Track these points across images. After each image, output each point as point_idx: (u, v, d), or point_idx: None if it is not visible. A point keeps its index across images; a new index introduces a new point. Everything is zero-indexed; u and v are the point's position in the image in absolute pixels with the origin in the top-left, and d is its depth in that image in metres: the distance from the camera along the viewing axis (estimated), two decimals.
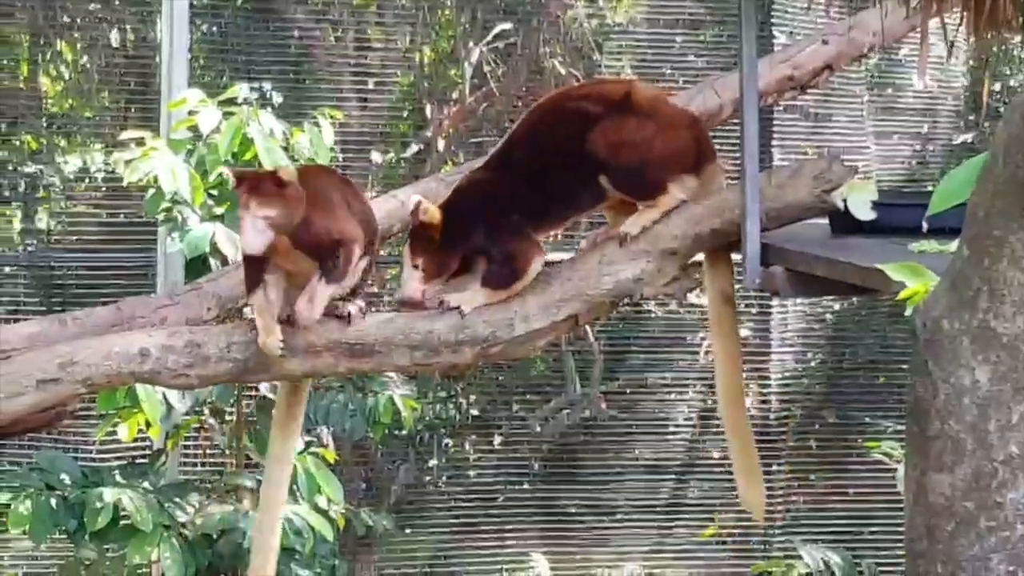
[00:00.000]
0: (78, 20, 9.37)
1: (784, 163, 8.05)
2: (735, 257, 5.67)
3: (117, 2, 9.29)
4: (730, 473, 9.37)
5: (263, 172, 5.29)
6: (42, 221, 9.33)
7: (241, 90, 7.39)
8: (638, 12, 9.59)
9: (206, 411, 7.49)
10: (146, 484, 7.16)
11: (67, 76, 9.43)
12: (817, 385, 9.63)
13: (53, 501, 6.89)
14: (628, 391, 9.52)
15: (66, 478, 7.00)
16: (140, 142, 7.24)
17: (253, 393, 7.51)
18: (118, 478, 7.13)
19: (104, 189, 9.22)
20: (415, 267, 5.36)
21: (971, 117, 9.76)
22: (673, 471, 9.49)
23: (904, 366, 9.50)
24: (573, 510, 9.36)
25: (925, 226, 4.93)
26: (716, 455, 9.55)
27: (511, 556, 9.31)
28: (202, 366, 5.33)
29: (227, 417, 7.58)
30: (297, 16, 9.30)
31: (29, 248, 9.20)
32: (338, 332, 5.34)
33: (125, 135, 7.50)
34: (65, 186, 9.21)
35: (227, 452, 7.77)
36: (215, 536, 7.13)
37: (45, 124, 9.33)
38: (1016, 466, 3.52)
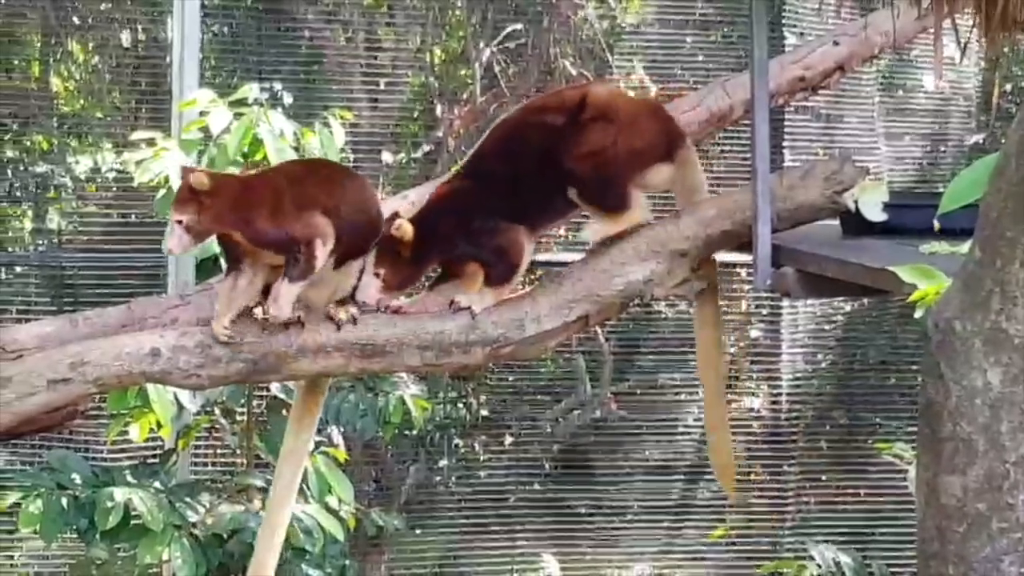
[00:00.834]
0: (89, 20, 9.37)
1: (795, 164, 8.03)
2: (746, 257, 5.67)
3: (128, 2, 9.29)
4: (740, 474, 9.45)
5: (196, 176, 5.28)
6: (53, 221, 9.33)
7: (252, 90, 7.39)
8: (648, 13, 9.58)
9: (217, 411, 7.49)
10: (157, 484, 7.16)
11: (78, 76, 9.44)
12: (827, 386, 9.62)
13: (64, 501, 6.89)
14: (638, 392, 9.52)
15: (77, 478, 7.00)
16: (151, 142, 7.25)
17: (264, 393, 7.51)
18: (129, 478, 7.13)
19: (115, 189, 9.23)
20: (376, 275, 5.35)
21: (983, 118, 9.75)
22: (683, 472, 9.48)
23: (915, 367, 9.49)
24: (583, 511, 9.36)
25: (937, 227, 4.92)
26: None
27: (521, 556, 9.31)
28: (213, 366, 5.33)
29: (238, 417, 7.59)
30: (308, 17, 9.30)
31: (40, 248, 9.21)
32: (334, 334, 5.34)
33: (136, 135, 7.51)
34: (76, 186, 9.22)
35: (238, 452, 7.78)
36: (226, 536, 7.13)
37: (56, 124, 9.34)
38: None
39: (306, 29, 9.36)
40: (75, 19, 9.32)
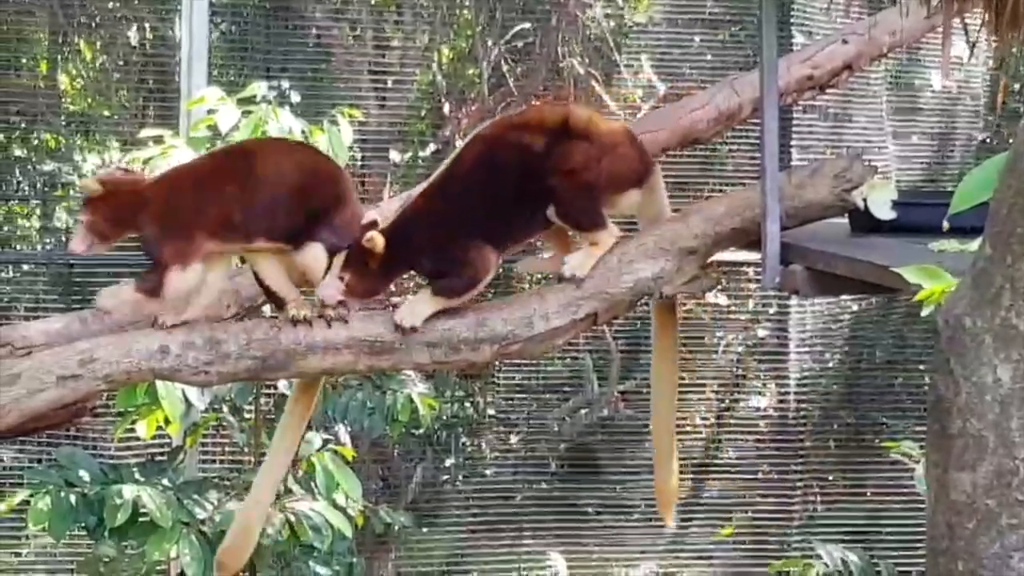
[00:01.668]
0: (97, 18, 9.38)
1: (803, 163, 8.04)
2: (753, 255, 5.68)
3: (136, 1, 9.30)
4: (747, 473, 9.45)
5: (86, 181, 5.31)
6: (60, 220, 9.35)
7: (260, 88, 7.39)
8: (656, 11, 9.58)
9: (225, 409, 7.50)
10: (165, 481, 7.16)
11: (86, 75, 9.45)
12: (835, 385, 9.62)
13: (72, 498, 6.89)
14: (645, 390, 9.51)
15: (85, 475, 7.01)
16: (159, 140, 7.26)
17: (271, 391, 7.52)
18: (137, 475, 7.14)
19: None
20: (340, 279, 5.34)
21: (990, 117, 9.75)
22: (690, 470, 9.48)
23: (922, 366, 9.49)
24: (590, 509, 9.36)
25: (946, 225, 4.92)
26: (733, 454, 9.55)
27: (528, 555, 9.32)
28: (222, 363, 5.34)
29: (246, 415, 7.59)
30: (316, 15, 9.30)
31: (48, 246, 9.22)
32: (343, 331, 5.34)
33: (144, 133, 7.51)
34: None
35: (245, 450, 7.79)
36: None
37: (64, 123, 9.35)
38: None
39: (314, 27, 9.36)
40: (83, 17, 9.32)
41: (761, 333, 9.60)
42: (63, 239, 9.18)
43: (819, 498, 9.49)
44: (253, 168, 5.36)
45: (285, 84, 8.29)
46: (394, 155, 9.25)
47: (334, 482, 7.16)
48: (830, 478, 9.54)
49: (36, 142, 9.25)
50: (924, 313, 3.98)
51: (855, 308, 9.63)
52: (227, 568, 5.71)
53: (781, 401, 9.51)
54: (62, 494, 6.88)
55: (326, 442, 7.37)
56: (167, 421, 7.14)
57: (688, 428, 9.53)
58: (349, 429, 7.88)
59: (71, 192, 9.21)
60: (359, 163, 8.93)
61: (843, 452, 9.54)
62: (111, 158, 9.19)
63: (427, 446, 9.28)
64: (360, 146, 8.68)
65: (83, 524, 6.95)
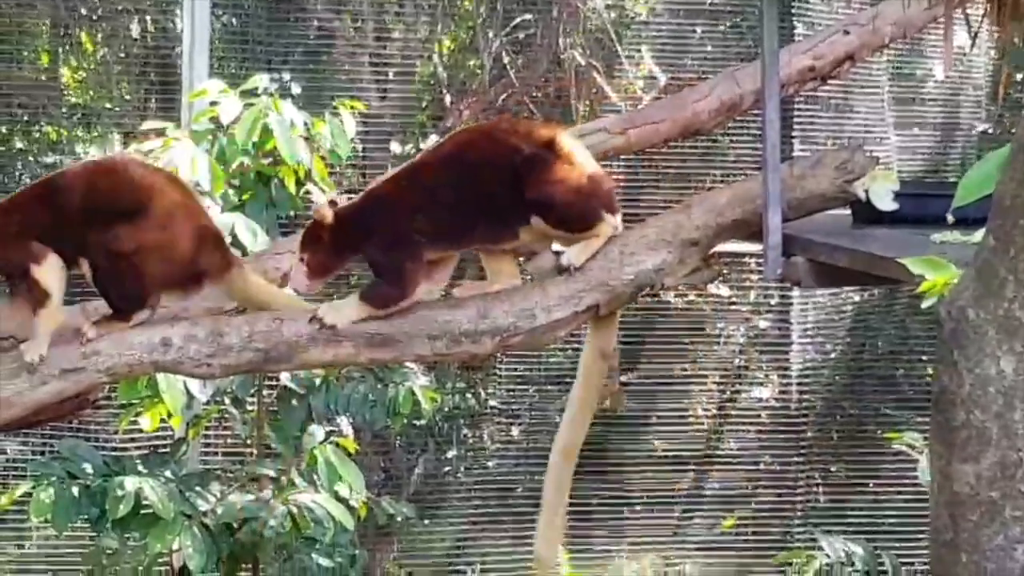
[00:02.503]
0: (98, 11, 9.38)
1: (805, 154, 8.03)
2: (755, 246, 5.67)
3: None
4: (749, 465, 9.45)
5: None
6: None
7: (262, 81, 7.39)
8: (657, 2, 9.57)
9: (227, 401, 7.50)
10: (167, 473, 7.16)
11: (87, 67, 9.44)
12: (837, 376, 9.61)
13: (75, 490, 6.89)
14: (647, 382, 9.52)
15: (88, 467, 7.01)
16: (161, 133, 7.26)
17: (274, 383, 7.52)
18: (139, 467, 7.14)
19: None
20: (301, 260, 5.36)
21: (992, 107, 9.74)
22: (692, 462, 9.48)
23: (924, 357, 9.49)
24: (592, 501, 9.36)
25: (950, 217, 4.93)
26: (735, 446, 9.54)
27: (530, 546, 9.31)
28: (224, 355, 5.34)
29: (247, 407, 7.59)
30: (317, 6, 9.29)
31: None
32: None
33: (146, 125, 7.51)
34: None
35: (247, 442, 7.79)
36: (236, 525, 7.15)
37: (65, 115, 9.34)
38: None
39: (315, 19, 9.35)
40: (84, 10, 9.31)
41: (763, 324, 9.60)
42: None
43: (821, 489, 9.49)
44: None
45: (286, 76, 8.28)
46: (395, 147, 9.24)
47: (336, 474, 7.16)
48: (832, 469, 9.53)
49: (38, 135, 9.25)
50: (926, 304, 3.99)
51: (857, 299, 9.62)
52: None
53: (783, 392, 9.51)
54: (64, 486, 6.88)
55: (329, 434, 7.36)
56: (169, 414, 7.14)
57: (690, 419, 9.53)
58: (351, 421, 7.86)
59: None
60: (360, 155, 8.92)
61: (845, 443, 9.54)
62: (112, 150, 9.18)
63: (429, 438, 9.28)
64: (361, 137, 8.67)
65: (86, 516, 6.96)
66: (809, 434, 9.50)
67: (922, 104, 9.71)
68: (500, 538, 9.28)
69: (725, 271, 8.91)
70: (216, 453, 8.51)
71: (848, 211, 5.83)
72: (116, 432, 8.02)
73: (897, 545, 9.01)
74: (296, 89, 8.10)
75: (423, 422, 8.43)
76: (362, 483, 7.30)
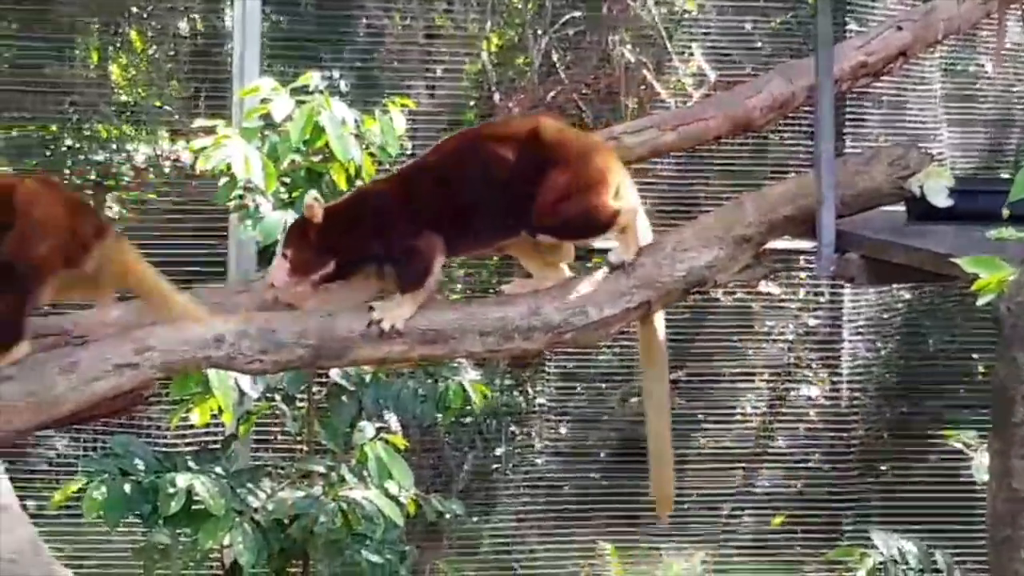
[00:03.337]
0: (148, 8, 9.42)
1: (856, 151, 8.00)
2: (806, 243, 5.64)
3: None
4: (798, 463, 9.42)
5: None
6: (112, 210, 9.38)
7: (313, 78, 7.40)
8: None
9: (277, 397, 7.51)
10: (218, 469, 7.18)
11: (136, 65, 9.48)
12: (888, 374, 9.57)
13: (127, 486, 6.91)
14: (696, 380, 9.49)
15: (140, 463, 7.03)
16: (211, 130, 7.28)
17: (324, 380, 7.53)
18: (191, 463, 7.16)
19: (173, 177, 9.27)
20: (284, 256, 5.35)
21: None
22: (741, 460, 9.46)
23: (976, 355, 9.44)
24: (641, 499, 9.34)
25: (1006, 213, 4.90)
26: (784, 444, 9.52)
27: (578, 544, 9.31)
28: (276, 352, 5.34)
29: (298, 404, 7.60)
30: (366, 4, 9.31)
31: None
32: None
33: (198, 123, 7.54)
34: (136, 174, 9.27)
35: (298, 438, 7.80)
36: (287, 521, 7.16)
37: (115, 113, 9.38)
38: None
39: (364, 16, 9.37)
40: (134, 8, 9.36)
41: (812, 322, 9.56)
42: (116, 229, 9.22)
43: (873, 487, 9.45)
44: None
45: (336, 74, 8.29)
46: None
47: (386, 471, 7.16)
48: (883, 467, 9.49)
49: (88, 133, 9.29)
50: (982, 302, 3.96)
51: (907, 296, 9.58)
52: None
53: (834, 390, 9.47)
54: (116, 482, 6.91)
55: (379, 431, 7.37)
56: (221, 410, 7.16)
57: (739, 417, 9.51)
58: (400, 417, 7.87)
59: (121, 183, 9.25)
60: (410, 152, 8.93)
61: (896, 441, 9.50)
62: (162, 148, 9.23)
63: (476, 435, 9.28)
64: (410, 135, 8.68)
65: (137, 512, 6.98)
66: (859, 432, 9.46)
67: (975, 100, 9.66)
68: (549, 536, 9.27)
69: (776, 268, 8.88)
70: (266, 449, 8.54)
71: (902, 208, 5.80)
72: (167, 429, 8.04)
73: (949, 542, 8.96)
74: (346, 86, 8.12)
75: (471, 419, 8.42)
76: (411, 480, 7.30)
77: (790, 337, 9.54)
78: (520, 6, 9.52)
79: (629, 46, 9.31)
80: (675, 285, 5.51)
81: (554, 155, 5.37)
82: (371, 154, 7.40)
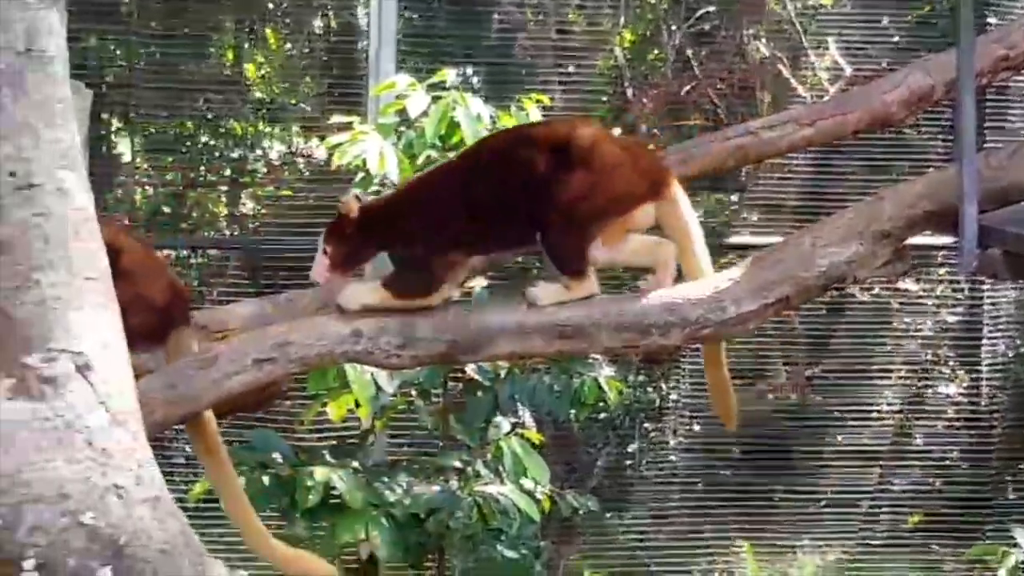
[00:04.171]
0: (283, 6, 9.51)
1: (996, 145, 7.89)
2: (944, 239, 5.56)
3: None
4: (938, 460, 9.32)
5: None
6: (247, 206, 9.49)
7: (449, 74, 7.42)
8: None
9: (413, 392, 7.54)
10: (355, 464, 7.22)
11: (271, 63, 9.58)
12: None
13: (266, 479, 6.98)
14: (832, 377, 9.42)
15: (278, 457, 7.10)
16: (347, 126, 7.32)
17: (459, 375, 7.54)
18: (328, 457, 7.21)
19: (307, 174, 9.35)
20: (324, 252, 5.34)
21: None
22: (878, 457, 9.37)
23: None
24: (776, 497, 9.29)
25: None
26: (921, 442, 9.42)
27: (712, 541, 9.27)
28: (414, 347, 5.33)
29: (433, 399, 7.63)
30: (500, 0, 9.33)
31: (236, 233, 9.36)
32: (533, 315, 5.28)
33: (335, 119, 7.58)
34: (270, 170, 9.36)
35: (434, 433, 7.83)
36: (423, 516, 7.18)
37: (250, 110, 9.48)
38: None
39: (497, 13, 9.39)
40: (270, 5, 9.45)
41: (950, 319, 9.45)
42: (250, 225, 9.32)
43: (1012, 486, 9.32)
44: None
45: (469, 70, 8.31)
46: None
47: (522, 466, 7.17)
48: (1023, 465, 9.37)
49: (223, 130, 9.39)
50: None
51: None
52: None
53: (973, 388, 9.35)
54: (256, 475, 6.97)
55: (514, 426, 7.38)
56: (357, 404, 7.20)
57: (876, 415, 9.42)
58: (534, 413, 7.87)
59: (256, 178, 9.35)
60: None
61: None
62: (296, 144, 9.31)
63: (610, 431, 9.27)
64: None
65: (276, 505, 7.03)
66: (999, 430, 9.34)
67: None
68: (681, 532, 9.24)
69: (915, 264, 8.79)
70: (401, 445, 8.58)
71: None
72: (301, 423, 8.10)
73: None
74: (479, 82, 8.14)
75: (605, 415, 8.40)
76: (547, 475, 7.30)
77: (928, 334, 9.43)
78: (654, 1, 9.49)
79: (764, 40, 9.26)
80: (814, 281, 5.44)
81: (562, 173, 5.29)
82: None
